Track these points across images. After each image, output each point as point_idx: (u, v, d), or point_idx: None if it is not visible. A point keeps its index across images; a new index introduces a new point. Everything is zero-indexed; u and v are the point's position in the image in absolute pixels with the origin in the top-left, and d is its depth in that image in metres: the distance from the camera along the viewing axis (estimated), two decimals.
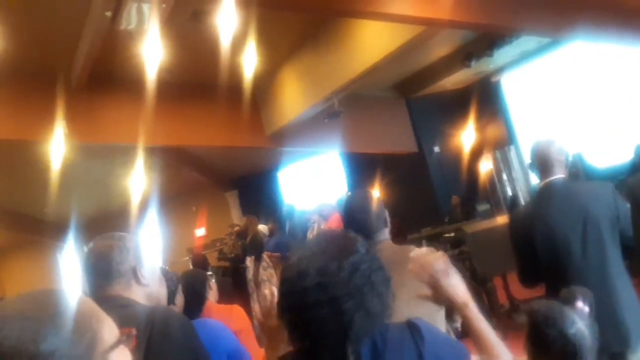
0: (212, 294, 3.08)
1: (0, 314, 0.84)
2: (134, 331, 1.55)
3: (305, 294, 1.27)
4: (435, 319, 2.06)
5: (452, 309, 2.16)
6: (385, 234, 2.32)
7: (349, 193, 9.16)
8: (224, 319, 2.79)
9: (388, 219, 2.37)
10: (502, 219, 7.12)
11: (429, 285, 1.58)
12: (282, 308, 1.36)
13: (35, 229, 13.99)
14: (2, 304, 0.88)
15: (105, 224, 11.22)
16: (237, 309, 3.09)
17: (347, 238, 1.39)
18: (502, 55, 9.74)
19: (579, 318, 1.71)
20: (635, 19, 7.00)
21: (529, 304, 1.92)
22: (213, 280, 3.16)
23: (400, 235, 9.55)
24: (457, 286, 1.54)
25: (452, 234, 8.51)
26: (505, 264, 5.50)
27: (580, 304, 1.77)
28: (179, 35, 6.41)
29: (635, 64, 8.77)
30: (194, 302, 2.82)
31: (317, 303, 1.26)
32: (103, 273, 1.77)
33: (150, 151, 9.39)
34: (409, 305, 1.99)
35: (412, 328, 1.36)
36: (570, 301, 1.78)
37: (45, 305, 0.85)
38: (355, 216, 2.30)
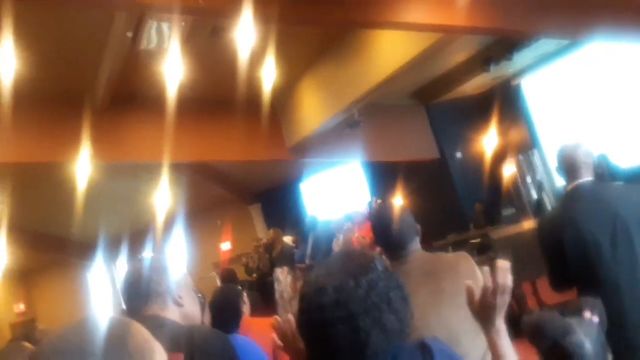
0: (246, 307, 3.07)
1: (58, 349, 0.82)
2: (182, 357, 1.57)
3: (322, 311, 1.29)
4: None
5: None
6: (417, 243, 2.33)
7: (377, 200, 9.13)
8: (266, 331, 2.79)
9: (418, 229, 2.38)
10: (528, 224, 7.03)
11: (482, 296, 1.48)
12: (301, 324, 1.37)
13: (63, 249, 14.12)
14: (56, 337, 0.86)
15: (132, 242, 11.38)
16: None
17: (365, 256, 1.39)
18: (522, 58, 9.63)
19: (581, 328, 1.64)
20: None
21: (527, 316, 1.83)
22: (245, 294, 3.15)
23: (425, 242, 9.49)
24: (503, 309, 1.46)
25: (478, 240, 8.44)
26: (533, 269, 5.43)
27: (587, 314, 1.71)
28: (199, 52, 6.48)
29: None
30: (231, 317, 2.81)
31: (334, 320, 1.27)
32: (140, 293, 1.79)
33: (174, 168, 9.48)
34: (450, 311, 1.98)
35: (424, 349, 1.36)
36: (577, 312, 1.72)
37: (101, 337, 0.83)
38: (386, 228, 2.31)
